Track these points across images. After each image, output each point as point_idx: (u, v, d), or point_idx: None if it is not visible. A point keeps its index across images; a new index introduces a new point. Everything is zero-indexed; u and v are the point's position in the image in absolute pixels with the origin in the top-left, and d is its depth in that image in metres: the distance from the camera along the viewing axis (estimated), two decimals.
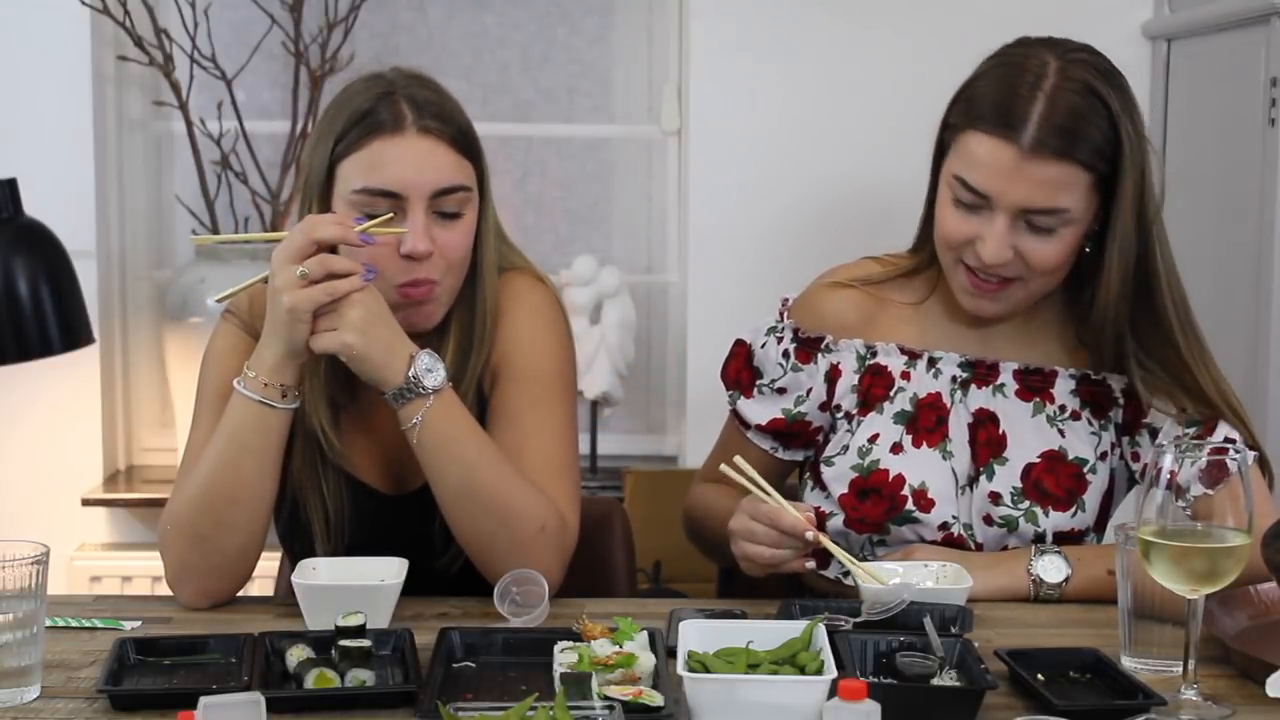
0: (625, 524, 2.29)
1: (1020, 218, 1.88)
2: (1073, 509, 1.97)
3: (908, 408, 2.00)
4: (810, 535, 1.79)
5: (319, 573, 1.81)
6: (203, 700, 1.34)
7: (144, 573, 3.29)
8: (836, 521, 1.99)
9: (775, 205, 3.42)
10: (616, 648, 1.55)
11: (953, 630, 1.64)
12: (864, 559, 1.89)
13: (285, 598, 1.95)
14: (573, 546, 1.89)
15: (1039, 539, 1.96)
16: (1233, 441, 1.77)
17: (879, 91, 3.38)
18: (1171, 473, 1.52)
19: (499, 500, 1.81)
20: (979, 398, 2.01)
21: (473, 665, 1.63)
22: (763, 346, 2.10)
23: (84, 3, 3.25)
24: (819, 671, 1.47)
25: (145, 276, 3.55)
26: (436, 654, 1.61)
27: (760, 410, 2.09)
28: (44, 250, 2.85)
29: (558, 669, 1.50)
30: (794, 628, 1.56)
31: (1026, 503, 1.96)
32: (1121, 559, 1.68)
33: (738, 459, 1.86)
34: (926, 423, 1.99)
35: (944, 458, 1.98)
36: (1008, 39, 1.96)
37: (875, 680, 1.56)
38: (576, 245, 3.62)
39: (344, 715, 1.50)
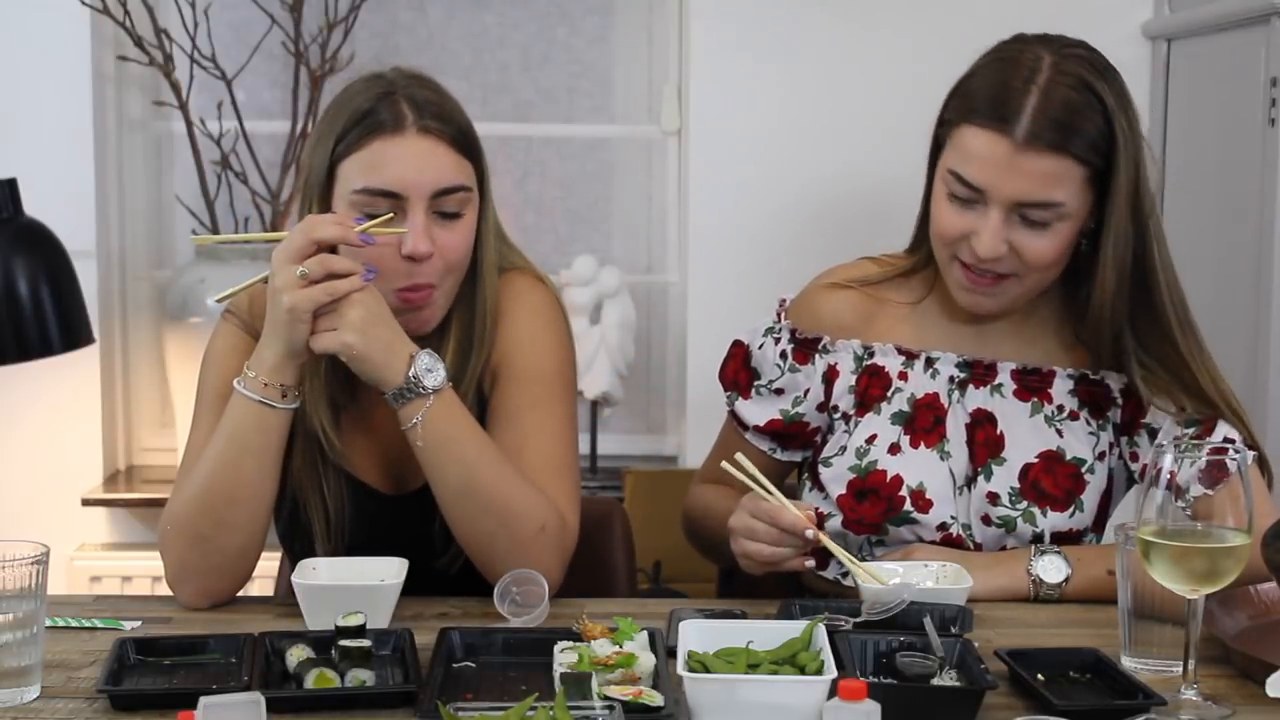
0: (625, 524, 2.29)
1: (1015, 212, 1.87)
2: (1071, 509, 1.97)
3: (905, 408, 2.00)
4: (810, 533, 1.78)
5: (319, 573, 1.81)
6: (203, 700, 1.34)
7: (144, 573, 3.29)
8: (834, 522, 1.98)
9: (775, 205, 3.42)
10: (616, 648, 1.55)
11: (953, 630, 1.64)
12: (863, 559, 1.89)
13: (285, 598, 1.95)
14: (573, 546, 1.89)
15: (1037, 539, 1.95)
16: (1232, 441, 1.77)
17: (879, 91, 3.38)
18: (1171, 473, 1.52)
19: (499, 500, 1.81)
20: (977, 398, 2.00)
21: (473, 665, 1.63)
22: (760, 347, 2.10)
23: (84, 3, 3.25)
24: (819, 671, 1.47)
25: (145, 276, 3.55)
26: (436, 654, 1.61)
27: (758, 411, 2.09)
28: (44, 250, 2.85)
29: (558, 669, 1.50)
30: (794, 628, 1.56)
31: (1024, 503, 1.96)
32: (1121, 559, 1.68)
33: (739, 456, 1.86)
34: (924, 423, 1.99)
35: (942, 458, 1.98)
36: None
37: (875, 680, 1.55)
38: (576, 245, 3.62)
39: (344, 715, 1.50)
